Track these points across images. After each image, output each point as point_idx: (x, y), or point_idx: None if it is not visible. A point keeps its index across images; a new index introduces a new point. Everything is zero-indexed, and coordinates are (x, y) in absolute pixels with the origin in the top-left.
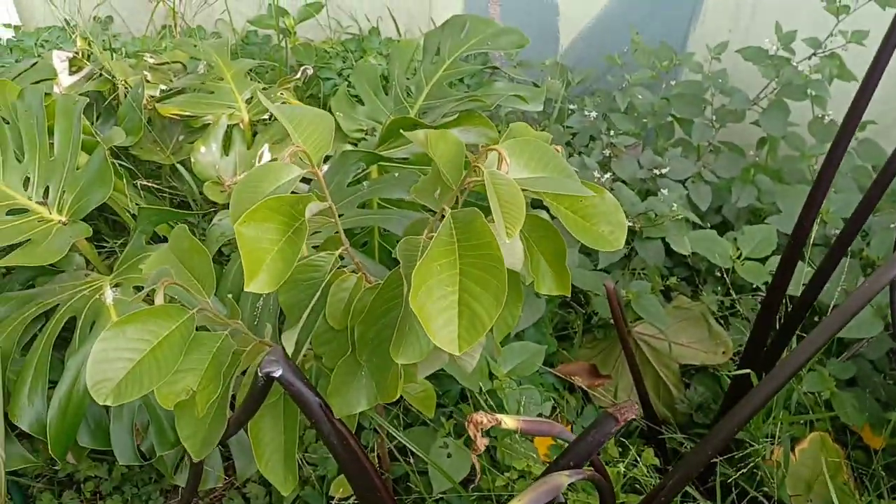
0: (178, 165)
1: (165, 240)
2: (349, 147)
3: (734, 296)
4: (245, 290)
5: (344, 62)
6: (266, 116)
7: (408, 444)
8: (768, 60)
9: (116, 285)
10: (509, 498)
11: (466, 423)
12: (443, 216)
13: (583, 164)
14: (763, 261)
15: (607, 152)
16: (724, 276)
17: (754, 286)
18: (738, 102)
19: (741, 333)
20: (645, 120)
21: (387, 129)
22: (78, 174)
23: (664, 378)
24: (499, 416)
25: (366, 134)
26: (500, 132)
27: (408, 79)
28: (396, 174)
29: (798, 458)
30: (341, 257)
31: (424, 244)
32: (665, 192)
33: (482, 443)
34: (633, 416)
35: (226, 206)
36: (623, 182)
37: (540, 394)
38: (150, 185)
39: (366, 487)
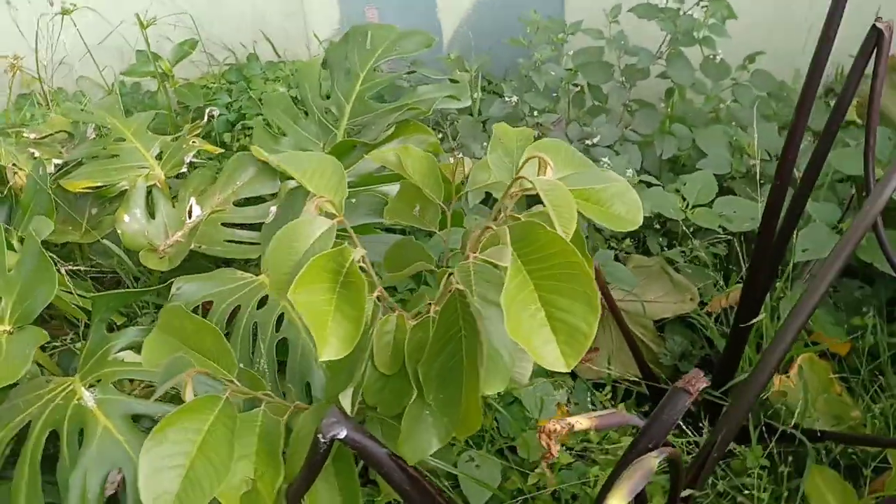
0: (106, 241)
1: (119, 327)
2: (293, 183)
3: (690, 245)
4: (319, 359)
5: (230, 95)
6: (184, 170)
7: (439, 465)
8: (662, 14)
9: (91, 385)
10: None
11: (538, 435)
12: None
13: None
14: (709, 205)
15: (536, 133)
16: (661, 227)
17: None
18: (644, 60)
19: (704, 277)
20: (555, 94)
21: None
22: (12, 276)
23: (642, 337)
24: (571, 419)
25: None
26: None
27: (324, 99)
28: (353, 200)
29: (794, 382)
30: (378, 299)
31: (478, 267)
32: (606, 160)
33: (555, 450)
34: (705, 384)
35: (173, 273)
36: None
37: (552, 385)
38: (72, 268)
39: None
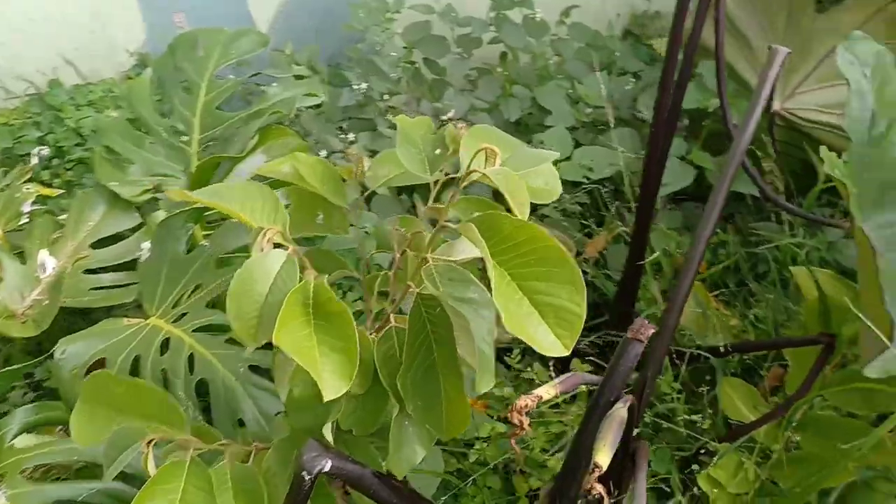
0: None
1: None
2: (162, 214)
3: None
4: (325, 400)
5: (39, 128)
6: (24, 220)
7: None
8: None
9: None
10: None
11: (510, 413)
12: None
13: (381, 135)
14: (569, 158)
15: (390, 117)
16: None
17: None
18: (477, 29)
19: (579, 228)
20: (393, 74)
21: (195, 179)
22: None
23: None
24: (537, 391)
25: (154, 192)
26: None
27: (164, 117)
28: (234, 220)
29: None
30: None
31: (440, 268)
32: None
33: (526, 423)
34: (653, 329)
35: (43, 338)
36: None
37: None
38: None
39: None
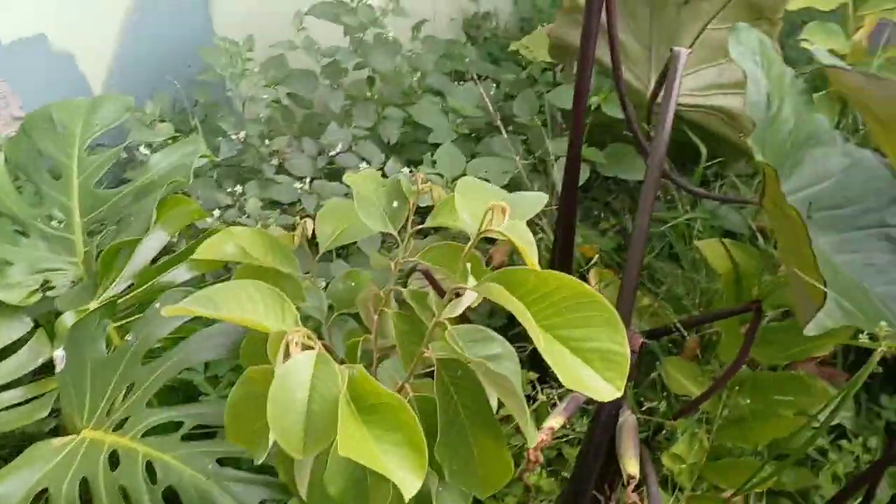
0: None
1: None
2: (71, 318)
3: None
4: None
5: None
6: None
7: None
8: (340, 9)
9: None
10: None
11: (528, 453)
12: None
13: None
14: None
15: (275, 162)
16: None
17: None
18: (345, 58)
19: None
20: (262, 114)
21: (102, 272)
22: None
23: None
24: (548, 423)
25: (44, 290)
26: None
27: (34, 208)
28: (156, 304)
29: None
30: None
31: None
32: (364, 165)
33: (540, 458)
34: (641, 340)
35: None
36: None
37: None
38: None
39: None
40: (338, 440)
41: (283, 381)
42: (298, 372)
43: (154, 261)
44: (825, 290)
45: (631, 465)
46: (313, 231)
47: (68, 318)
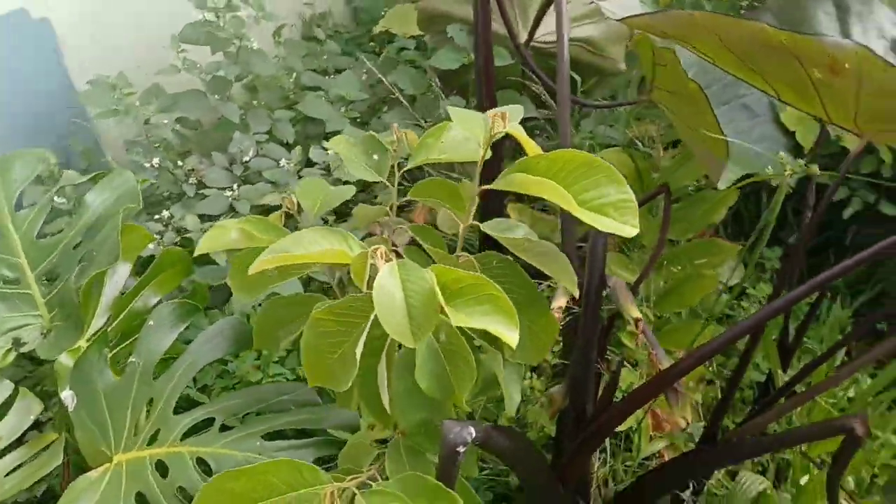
0: None
1: None
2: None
3: None
4: (514, 346)
5: None
6: None
7: None
8: (207, 28)
9: None
10: None
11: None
12: None
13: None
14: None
15: (193, 181)
16: None
17: None
18: (228, 70)
19: None
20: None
21: (83, 306)
22: None
23: None
24: (555, 303)
25: (17, 349)
26: None
27: None
28: (151, 322)
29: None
30: None
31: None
32: (284, 162)
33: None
34: None
35: None
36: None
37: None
38: None
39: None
40: (450, 316)
41: (382, 289)
42: (391, 277)
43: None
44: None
45: (633, 311)
46: (298, 206)
47: (65, 360)
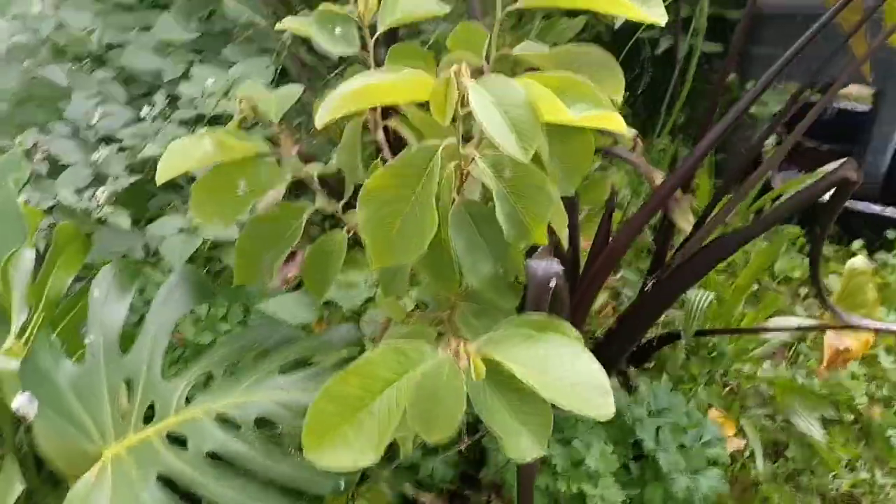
0: None
1: None
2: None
3: None
4: None
5: None
6: None
7: None
8: None
9: None
10: None
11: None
12: None
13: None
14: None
15: (39, 156)
16: None
17: None
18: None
19: None
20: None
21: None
22: None
23: None
24: None
25: None
26: None
27: None
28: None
29: None
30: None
31: None
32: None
33: None
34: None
35: None
36: None
37: None
38: None
39: None
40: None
41: (480, 105)
42: (484, 94)
43: None
44: None
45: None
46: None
47: (6, 363)
